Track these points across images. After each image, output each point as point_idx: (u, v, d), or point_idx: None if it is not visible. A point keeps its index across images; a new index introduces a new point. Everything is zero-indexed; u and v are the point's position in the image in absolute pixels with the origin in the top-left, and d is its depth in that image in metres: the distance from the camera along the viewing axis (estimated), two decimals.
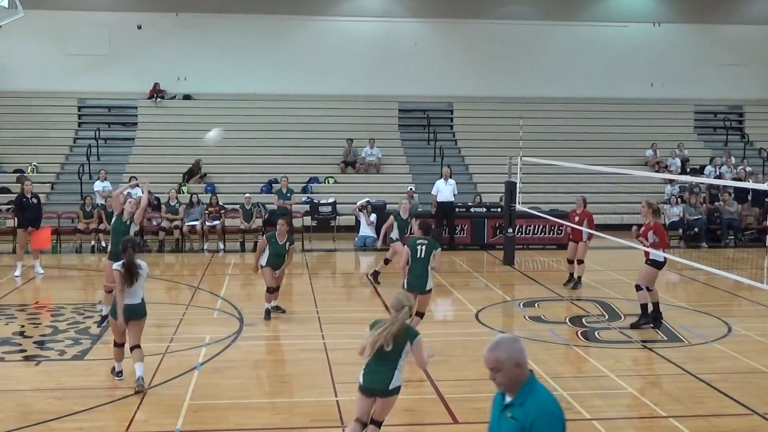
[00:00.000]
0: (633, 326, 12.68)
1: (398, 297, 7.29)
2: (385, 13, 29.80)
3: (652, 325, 12.63)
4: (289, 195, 21.30)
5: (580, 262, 16.01)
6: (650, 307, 12.71)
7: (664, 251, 12.69)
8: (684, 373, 10.31)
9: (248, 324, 12.65)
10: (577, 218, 15.96)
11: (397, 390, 7.06)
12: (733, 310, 14.21)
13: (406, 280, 11.00)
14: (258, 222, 21.46)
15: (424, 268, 10.95)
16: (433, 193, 21.82)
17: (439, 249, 11.13)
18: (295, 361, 11.02)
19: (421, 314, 10.93)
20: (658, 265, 12.73)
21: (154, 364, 10.28)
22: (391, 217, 17.17)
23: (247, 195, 22.06)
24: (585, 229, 15.64)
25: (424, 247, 10.97)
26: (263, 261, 13.00)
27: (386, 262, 16.37)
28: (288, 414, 8.80)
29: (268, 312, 12.97)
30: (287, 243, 13.01)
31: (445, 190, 21.55)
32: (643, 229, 12.91)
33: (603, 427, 8.38)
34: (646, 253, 12.73)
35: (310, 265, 19.01)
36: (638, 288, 12.78)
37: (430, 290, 11.09)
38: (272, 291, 13.02)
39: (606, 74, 30.02)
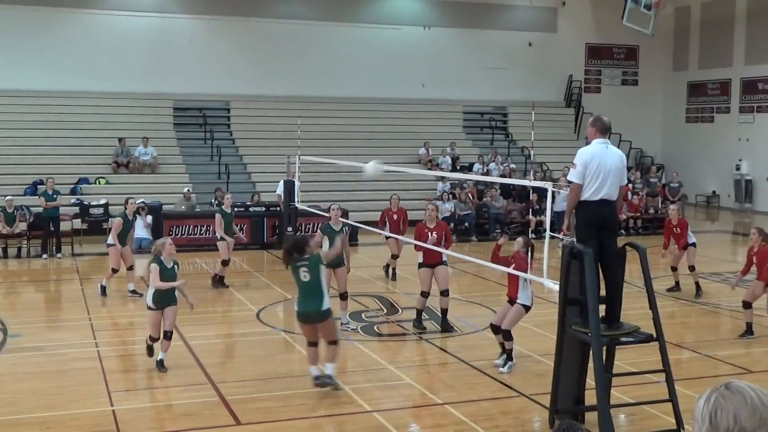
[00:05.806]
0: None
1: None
2: (159, 8, 28.85)
3: None
4: (55, 196, 20.10)
5: (396, 257, 16.50)
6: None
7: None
8: (458, 361, 10.78)
9: (12, 335, 11.82)
10: (395, 216, 16.42)
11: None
12: (501, 299, 14.94)
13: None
14: (22, 226, 20.08)
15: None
16: (278, 192, 20.98)
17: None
18: (67, 371, 10.39)
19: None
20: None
21: None
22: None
23: (9, 197, 20.58)
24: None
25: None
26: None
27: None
28: (62, 428, 8.32)
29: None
30: (344, 228, 12.85)
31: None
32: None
33: (382, 418, 8.59)
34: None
35: (81, 270, 18.09)
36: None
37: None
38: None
39: (380, 75, 30.79)
